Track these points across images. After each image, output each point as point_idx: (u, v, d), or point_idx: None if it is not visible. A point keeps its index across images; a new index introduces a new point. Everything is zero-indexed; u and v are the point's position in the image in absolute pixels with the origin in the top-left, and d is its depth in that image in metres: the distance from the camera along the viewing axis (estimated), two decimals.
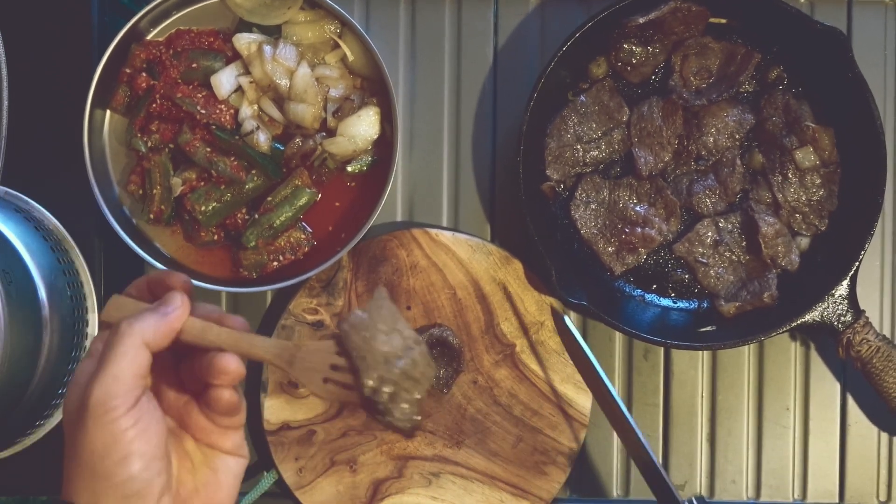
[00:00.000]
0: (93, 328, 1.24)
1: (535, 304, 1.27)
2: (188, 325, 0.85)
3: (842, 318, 1.21)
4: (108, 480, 0.79)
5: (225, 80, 1.24)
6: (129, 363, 0.80)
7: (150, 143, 1.23)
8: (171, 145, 1.24)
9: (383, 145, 1.26)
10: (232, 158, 1.23)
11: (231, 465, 0.88)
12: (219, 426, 0.87)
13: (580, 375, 1.23)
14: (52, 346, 1.14)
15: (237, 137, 1.23)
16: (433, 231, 1.27)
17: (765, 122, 1.27)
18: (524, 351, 1.27)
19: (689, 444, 1.31)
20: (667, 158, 1.27)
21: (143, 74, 1.23)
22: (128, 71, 1.24)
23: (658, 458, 1.30)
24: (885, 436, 1.31)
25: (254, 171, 1.24)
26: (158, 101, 1.23)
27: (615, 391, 1.16)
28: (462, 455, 1.28)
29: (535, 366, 1.27)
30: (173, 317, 0.83)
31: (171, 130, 1.24)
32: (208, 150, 1.23)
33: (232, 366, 0.83)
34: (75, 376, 0.82)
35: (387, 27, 1.31)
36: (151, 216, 1.24)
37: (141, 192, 1.25)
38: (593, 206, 1.27)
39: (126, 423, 0.79)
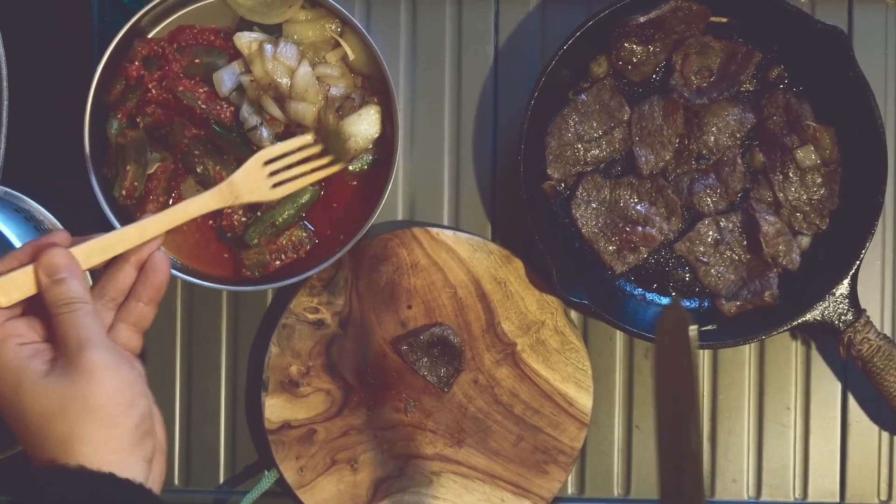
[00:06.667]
0: None
1: (535, 303, 1.27)
2: (120, 238, 0.91)
3: (843, 317, 1.21)
4: (124, 426, 0.85)
5: (226, 78, 1.24)
6: (97, 324, 0.88)
7: (141, 125, 1.23)
8: (164, 130, 1.24)
9: (384, 144, 1.25)
10: (217, 167, 1.23)
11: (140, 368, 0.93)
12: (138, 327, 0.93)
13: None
14: None
15: (234, 136, 1.23)
16: (434, 230, 1.27)
17: (766, 121, 1.27)
18: (525, 350, 1.27)
19: None
20: (668, 157, 1.27)
21: (136, 64, 1.23)
22: (127, 65, 1.24)
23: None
24: (885, 435, 1.31)
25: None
26: (154, 92, 1.23)
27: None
28: (463, 454, 1.28)
29: (536, 365, 1.27)
30: (70, 269, 0.88)
31: (165, 116, 1.24)
32: (196, 152, 1.23)
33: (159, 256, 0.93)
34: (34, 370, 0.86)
35: (388, 26, 1.31)
36: (123, 193, 1.23)
37: (111, 173, 1.24)
38: (594, 205, 1.27)
39: (127, 367, 0.87)
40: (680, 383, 0.87)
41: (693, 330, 0.84)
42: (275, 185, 0.97)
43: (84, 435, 0.83)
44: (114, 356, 0.86)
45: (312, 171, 1.18)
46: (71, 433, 0.83)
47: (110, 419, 0.84)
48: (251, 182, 0.96)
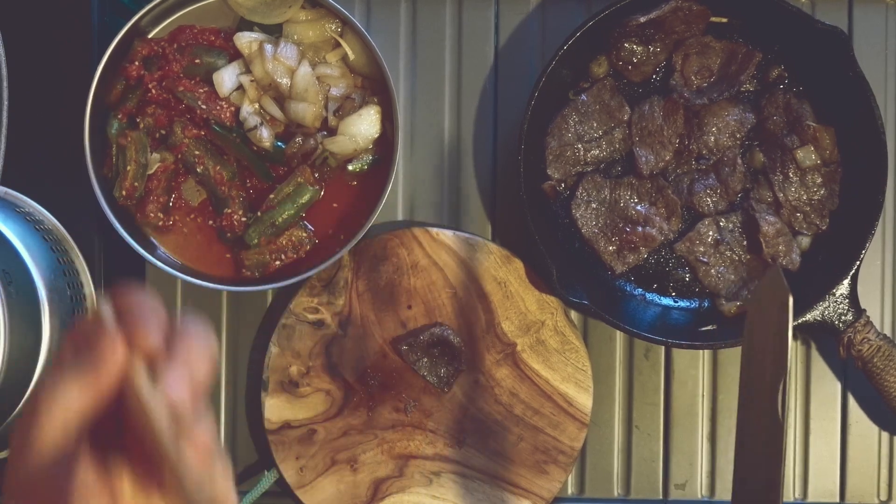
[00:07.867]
0: None
1: (535, 304, 1.27)
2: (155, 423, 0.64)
3: (843, 318, 1.21)
4: None
5: (227, 78, 1.24)
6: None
7: (141, 125, 1.23)
8: (163, 131, 1.24)
9: (384, 144, 1.26)
10: (217, 167, 1.23)
11: None
12: None
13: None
14: (52, 346, 1.14)
15: (234, 136, 1.23)
16: (434, 230, 1.27)
17: (766, 121, 1.27)
18: (525, 350, 1.27)
19: (690, 443, 1.31)
20: (668, 157, 1.27)
21: (136, 64, 1.23)
22: (127, 65, 1.24)
23: (660, 458, 1.31)
24: (885, 435, 1.31)
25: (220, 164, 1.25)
26: (154, 92, 1.23)
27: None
28: (463, 454, 1.28)
29: (536, 365, 1.27)
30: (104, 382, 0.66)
31: (166, 116, 1.24)
32: (196, 152, 1.23)
33: None
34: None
35: (388, 26, 1.31)
36: (123, 193, 1.23)
37: (111, 173, 1.24)
38: (594, 206, 1.27)
39: None
40: (772, 349, 0.89)
41: (791, 299, 0.88)
42: None
43: None
44: None
45: None
46: None
47: None
48: None
